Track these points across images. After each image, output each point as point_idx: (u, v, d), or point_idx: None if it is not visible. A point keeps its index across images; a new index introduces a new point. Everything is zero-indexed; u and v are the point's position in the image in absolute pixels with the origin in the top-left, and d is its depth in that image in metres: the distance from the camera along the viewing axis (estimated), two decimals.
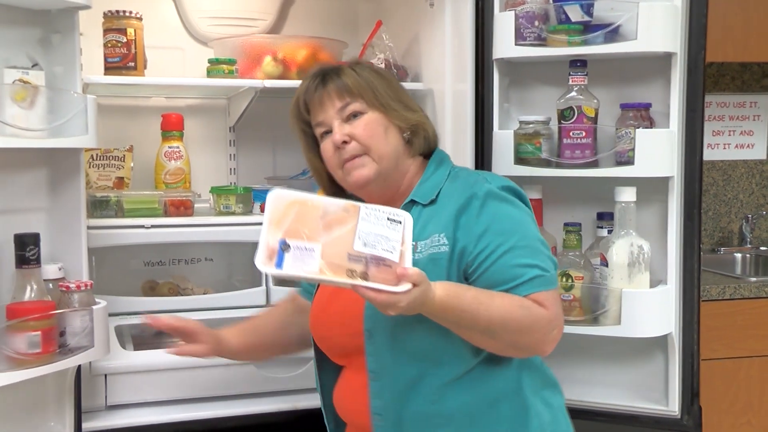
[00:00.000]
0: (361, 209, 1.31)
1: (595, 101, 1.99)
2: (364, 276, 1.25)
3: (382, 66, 2.26)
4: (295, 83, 2.17)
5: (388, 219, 1.31)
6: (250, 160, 2.54)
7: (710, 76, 3.16)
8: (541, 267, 1.40)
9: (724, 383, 2.50)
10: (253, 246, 2.18)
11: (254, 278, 2.27)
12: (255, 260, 1.25)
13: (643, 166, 1.90)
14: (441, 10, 2.12)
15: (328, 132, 1.50)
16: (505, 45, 1.98)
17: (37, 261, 1.62)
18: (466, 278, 1.42)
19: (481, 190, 1.44)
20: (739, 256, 3.11)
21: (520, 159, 2.00)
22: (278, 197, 1.31)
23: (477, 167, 2.03)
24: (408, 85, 2.27)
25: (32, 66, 1.70)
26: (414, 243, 1.35)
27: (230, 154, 2.52)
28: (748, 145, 3.25)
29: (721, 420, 2.51)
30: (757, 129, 3.25)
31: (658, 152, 1.91)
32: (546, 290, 1.39)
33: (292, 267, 1.24)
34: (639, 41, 1.86)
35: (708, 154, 3.17)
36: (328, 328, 1.54)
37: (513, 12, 1.96)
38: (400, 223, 1.31)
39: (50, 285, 1.67)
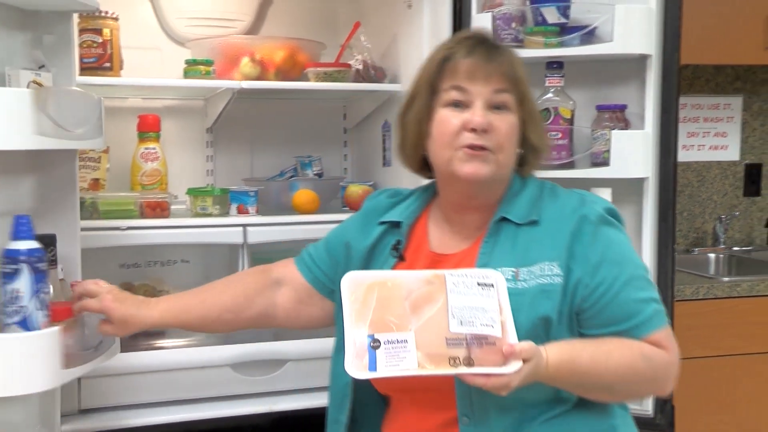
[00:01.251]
0: (447, 279, 1.20)
1: (572, 102, 2.00)
2: (468, 361, 1.14)
3: (360, 67, 2.26)
4: (273, 84, 2.19)
5: (478, 284, 1.20)
6: (227, 162, 2.52)
7: (685, 78, 3.18)
8: (656, 299, 1.30)
9: (698, 382, 2.52)
10: (230, 248, 2.20)
11: None
12: (345, 366, 1.14)
13: (619, 167, 1.92)
14: (419, 11, 2.13)
15: (463, 105, 1.31)
16: None
17: (55, 262, 1.58)
18: (578, 312, 1.29)
19: (592, 213, 1.31)
20: (713, 256, 3.13)
21: None
22: (354, 282, 1.21)
23: None
24: (386, 86, 2.28)
25: (39, 68, 1.67)
26: (515, 270, 1.28)
27: (207, 156, 2.50)
28: (722, 147, 3.27)
29: (696, 419, 2.52)
30: (730, 131, 3.27)
31: (633, 153, 1.93)
32: (664, 327, 1.29)
33: (387, 367, 1.13)
34: (615, 43, 1.88)
35: (683, 156, 3.18)
36: None
37: (490, 13, 1.97)
38: (493, 286, 1.20)
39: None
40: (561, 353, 1.21)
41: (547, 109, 1.98)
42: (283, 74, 2.23)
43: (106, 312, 1.44)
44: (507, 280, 1.26)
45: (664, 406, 2.00)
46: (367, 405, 1.43)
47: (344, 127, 2.63)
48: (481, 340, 1.15)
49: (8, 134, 1.33)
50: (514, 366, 1.13)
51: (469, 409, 1.27)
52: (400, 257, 1.40)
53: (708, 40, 2.77)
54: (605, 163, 1.94)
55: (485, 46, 1.35)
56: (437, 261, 1.38)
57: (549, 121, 1.98)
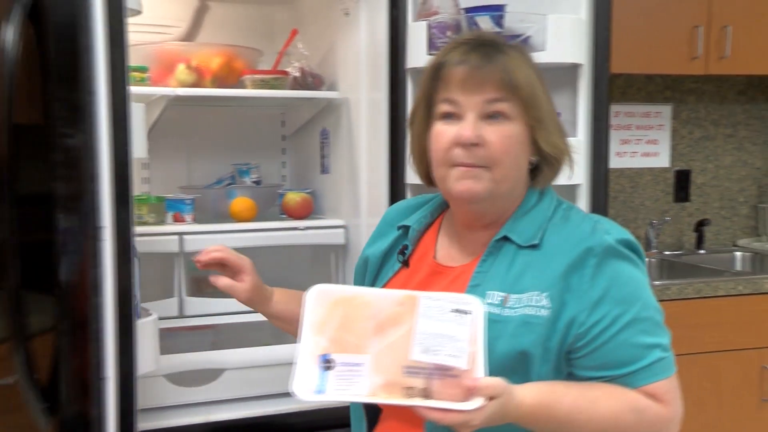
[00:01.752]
0: (419, 302, 1.09)
1: None
2: (425, 393, 1.04)
3: (298, 75, 2.26)
4: (209, 91, 2.17)
5: (453, 311, 1.08)
6: (163, 169, 2.48)
7: (618, 87, 3.25)
8: (662, 347, 1.18)
9: None
10: (165, 257, 2.17)
11: (166, 289, 2.23)
12: (291, 384, 1.06)
13: None
14: (356, 19, 2.13)
15: (452, 116, 1.21)
16: (418, 54, 1.99)
17: None
18: (569, 351, 1.17)
19: (599, 244, 1.17)
20: (646, 260, 3.19)
21: None
22: (320, 296, 1.12)
23: (392, 177, 2.00)
24: (324, 93, 2.27)
25: None
26: (504, 295, 1.18)
27: (143, 164, 2.47)
28: (653, 154, 3.34)
29: None
30: (661, 138, 3.35)
31: None
32: (667, 378, 1.17)
33: (336, 391, 1.05)
34: (547, 52, 1.90)
35: (617, 162, 3.25)
36: None
37: (425, 22, 1.98)
38: (469, 313, 1.08)
39: None
40: (539, 395, 1.11)
41: None
42: (219, 81, 2.21)
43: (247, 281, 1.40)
44: (494, 305, 1.17)
45: None
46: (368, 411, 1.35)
47: (282, 134, 2.63)
48: (444, 372, 1.05)
49: None
50: (475, 403, 1.02)
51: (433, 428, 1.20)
52: (405, 263, 1.34)
53: (638, 50, 2.83)
54: None
55: (480, 50, 1.21)
56: (438, 272, 1.29)
57: None
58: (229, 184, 2.45)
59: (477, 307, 1.09)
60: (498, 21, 1.98)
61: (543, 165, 1.26)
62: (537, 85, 1.22)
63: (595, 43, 1.96)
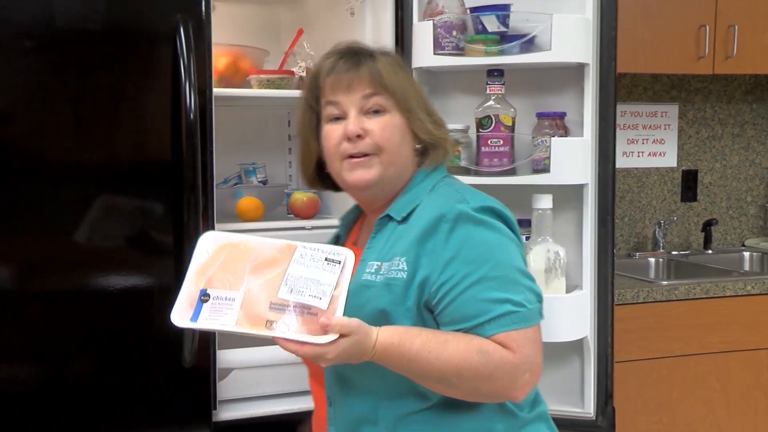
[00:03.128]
0: (297, 250, 1.20)
1: (513, 110, 2.01)
2: (285, 327, 1.14)
3: (303, 74, 2.25)
4: (216, 91, 2.15)
5: (326, 260, 1.20)
6: None
7: (624, 87, 3.24)
8: (513, 302, 1.22)
9: (638, 384, 2.55)
10: None
11: None
12: (171, 314, 1.16)
13: (559, 174, 1.94)
14: (361, 19, 2.13)
15: (339, 118, 1.34)
16: (424, 54, 1.99)
17: None
18: (430, 310, 1.26)
19: (452, 211, 1.27)
20: (652, 260, 3.18)
21: None
22: (207, 240, 1.23)
23: None
24: None
25: None
26: (379, 264, 1.29)
27: None
28: (660, 153, 3.33)
29: (636, 419, 2.56)
30: (668, 138, 3.33)
31: (572, 160, 1.95)
32: (517, 329, 1.21)
33: (206, 320, 1.15)
34: (553, 52, 1.90)
35: (623, 162, 3.24)
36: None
37: (431, 22, 1.97)
38: (339, 263, 1.19)
39: None
40: (392, 335, 1.20)
41: (488, 117, 1.99)
42: (225, 81, 2.21)
43: None
44: (371, 272, 1.29)
45: (605, 407, 2.03)
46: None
47: (288, 134, 2.62)
48: (304, 310, 1.15)
49: None
50: (327, 338, 1.13)
51: (331, 391, 1.35)
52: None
53: (644, 50, 2.82)
54: (546, 169, 1.95)
55: (349, 57, 1.36)
56: (356, 251, 1.36)
57: (491, 129, 1.99)
58: (236, 184, 2.44)
59: (347, 258, 1.20)
60: (503, 20, 1.98)
61: (430, 149, 1.38)
62: (405, 81, 1.37)
63: (600, 43, 1.96)
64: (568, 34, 1.89)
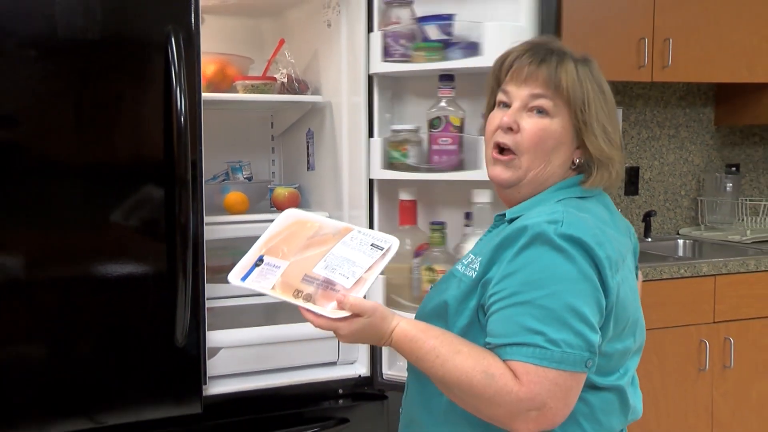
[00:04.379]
0: (350, 233, 1.18)
1: (462, 112, 2.01)
2: (308, 298, 1.12)
3: (285, 80, 2.24)
4: (205, 96, 2.13)
5: (371, 245, 1.16)
6: None
7: None
8: (548, 337, 1.05)
9: None
10: None
11: None
12: (228, 274, 1.18)
13: None
14: (337, 30, 2.12)
15: (505, 105, 1.23)
16: (376, 61, 1.99)
17: None
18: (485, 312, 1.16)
19: (536, 227, 1.11)
20: None
21: (390, 164, 2.01)
22: (285, 216, 1.24)
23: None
24: (309, 97, 2.26)
25: None
26: (473, 257, 1.21)
27: None
28: None
29: None
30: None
31: None
32: (536, 365, 1.05)
33: (252, 281, 1.16)
34: (485, 57, 1.86)
35: None
36: None
37: (381, 32, 1.98)
38: (382, 249, 1.16)
39: None
40: (408, 330, 1.14)
41: (438, 117, 1.99)
42: (214, 86, 2.19)
43: None
44: (463, 264, 1.22)
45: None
46: None
47: (272, 134, 2.61)
48: (328, 286, 1.13)
49: None
50: (339, 313, 1.10)
51: (408, 377, 1.32)
52: None
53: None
54: None
55: (538, 52, 1.23)
56: None
57: (440, 129, 1.98)
58: (224, 180, 2.43)
59: (392, 246, 1.17)
60: (445, 29, 1.97)
61: (592, 167, 1.23)
62: (589, 93, 1.21)
63: None
64: (501, 40, 1.83)
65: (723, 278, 2.76)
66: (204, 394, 1.87)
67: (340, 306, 1.10)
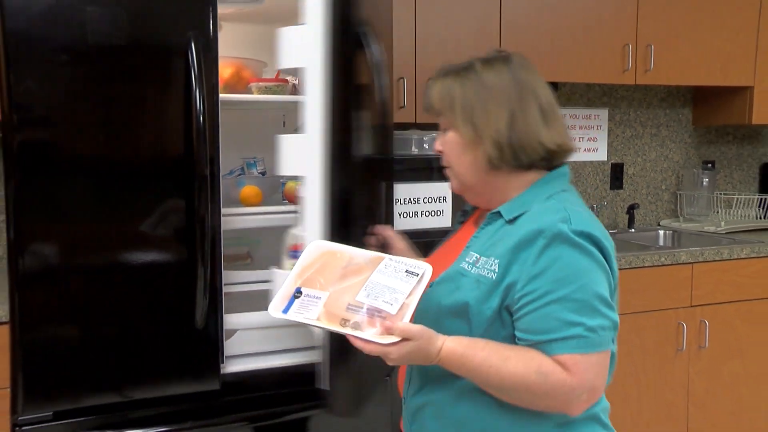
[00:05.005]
0: (383, 261, 1.15)
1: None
2: (356, 326, 1.08)
3: (296, 83, 2.23)
4: (223, 97, 2.15)
5: (406, 272, 1.13)
6: None
7: (564, 94, 3.25)
8: (586, 326, 1.09)
9: None
10: None
11: None
12: (268, 306, 1.14)
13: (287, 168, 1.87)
14: None
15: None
16: None
17: None
18: (510, 313, 1.15)
19: (552, 228, 1.12)
20: None
21: None
22: (313, 247, 1.20)
23: None
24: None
25: None
26: (478, 256, 1.19)
27: None
28: (594, 149, 3.36)
29: None
30: (599, 136, 3.36)
31: (295, 155, 1.82)
32: (581, 353, 1.09)
33: (294, 313, 1.12)
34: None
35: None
36: None
37: None
38: (417, 275, 1.13)
39: None
40: (456, 346, 1.12)
41: None
42: (230, 88, 2.19)
43: None
44: (469, 263, 1.20)
45: None
46: None
47: (284, 132, 2.60)
48: (375, 312, 1.09)
49: None
50: (389, 339, 1.06)
51: (410, 373, 1.31)
52: (462, 222, 1.42)
53: (580, 63, 2.84)
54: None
55: (429, 82, 1.28)
56: (468, 232, 1.31)
57: None
58: (239, 175, 2.43)
59: (426, 272, 1.13)
60: None
61: (499, 153, 1.20)
62: (456, 97, 1.21)
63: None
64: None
65: (700, 266, 2.76)
66: (222, 372, 1.87)
67: (389, 332, 1.07)
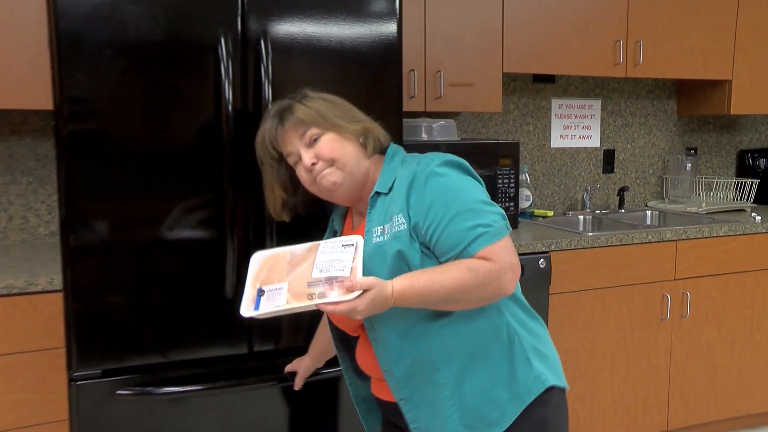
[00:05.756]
0: (320, 246, 1.20)
1: None
2: (322, 296, 1.13)
3: None
4: None
5: (342, 245, 1.19)
6: None
7: (561, 86, 3.22)
8: (483, 224, 1.21)
9: (569, 310, 2.58)
10: None
11: None
12: (239, 310, 1.17)
13: None
14: None
15: (299, 161, 1.35)
16: None
17: None
18: (427, 247, 1.25)
19: (422, 171, 1.26)
20: (581, 217, 3.19)
21: None
22: (255, 258, 1.25)
23: None
24: None
25: None
26: (382, 227, 1.27)
27: None
28: (587, 137, 3.33)
29: (567, 336, 2.59)
30: (593, 125, 3.33)
31: None
32: (491, 243, 1.20)
33: (265, 306, 1.15)
34: None
35: (560, 143, 3.24)
36: (338, 319, 1.43)
37: None
38: (353, 245, 1.18)
39: None
40: (402, 281, 1.18)
41: None
42: None
43: None
44: (379, 235, 1.27)
45: None
46: (348, 340, 1.50)
47: None
48: (333, 281, 1.14)
49: None
50: (354, 294, 1.11)
51: (372, 334, 1.32)
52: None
53: (575, 58, 2.82)
54: None
55: (279, 114, 1.35)
56: (356, 232, 1.39)
57: None
58: None
59: (358, 241, 1.19)
60: None
61: (364, 140, 1.35)
62: (321, 108, 1.33)
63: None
64: None
65: (683, 243, 2.75)
66: (251, 338, 1.89)
67: (352, 288, 1.11)
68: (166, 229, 1.76)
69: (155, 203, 1.75)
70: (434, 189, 1.24)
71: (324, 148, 1.32)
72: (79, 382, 1.73)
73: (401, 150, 1.40)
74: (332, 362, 1.74)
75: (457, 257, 1.22)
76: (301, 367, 1.69)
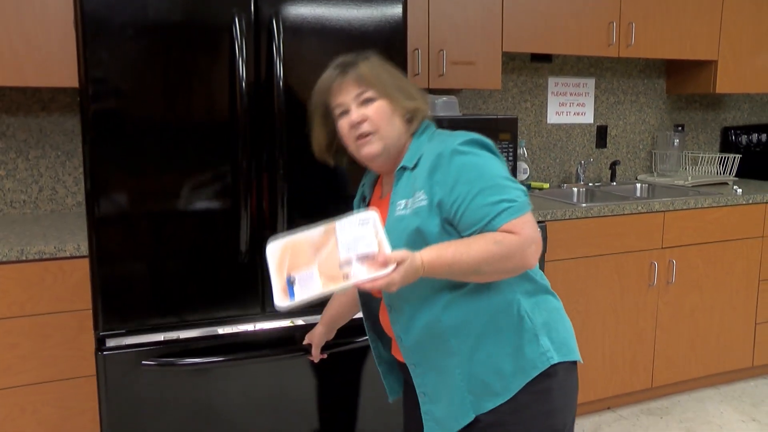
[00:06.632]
0: (336, 227, 1.14)
1: None
2: (357, 274, 1.07)
3: None
4: None
5: (359, 223, 1.13)
6: None
7: (557, 65, 3.14)
8: (507, 200, 1.17)
9: (564, 277, 2.55)
10: None
11: None
12: (274, 303, 1.10)
13: None
14: None
15: (346, 112, 1.28)
16: None
17: None
18: (451, 224, 1.21)
19: (447, 149, 1.21)
20: (575, 189, 3.15)
21: None
22: (272, 248, 1.16)
23: None
24: None
25: None
26: (405, 201, 1.23)
27: None
28: (582, 114, 3.26)
29: (562, 300, 2.52)
30: (587, 102, 3.26)
31: None
32: (515, 218, 1.16)
33: (301, 293, 1.08)
34: None
35: (556, 119, 3.18)
36: None
37: None
38: (369, 221, 1.12)
39: None
40: (431, 252, 1.14)
41: None
42: None
43: None
44: (402, 209, 1.23)
45: None
46: (375, 302, 1.45)
47: None
48: (364, 258, 1.09)
49: None
50: (390, 268, 1.06)
51: (388, 300, 1.30)
52: (367, 204, 1.43)
53: (571, 38, 2.75)
54: None
55: (343, 66, 1.29)
56: (384, 201, 1.34)
57: None
58: None
59: (374, 216, 1.13)
60: None
61: (411, 118, 1.31)
62: (383, 74, 1.28)
63: None
64: None
65: (670, 214, 2.70)
66: (263, 300, 1.86)
67: (387, 262, 1.07)
68: (184, 198, 1.72)
69: (174, 175, 1.71)
70: (459, 166, 1.19)
71: (374, 112, 1.26)
72: (107, 340, 1.71)
73: (432, 126, 1.34)
74: (355, 333, 1.71)
75: (482, 231, 1.17)
76: (315, 336, 1.64)
